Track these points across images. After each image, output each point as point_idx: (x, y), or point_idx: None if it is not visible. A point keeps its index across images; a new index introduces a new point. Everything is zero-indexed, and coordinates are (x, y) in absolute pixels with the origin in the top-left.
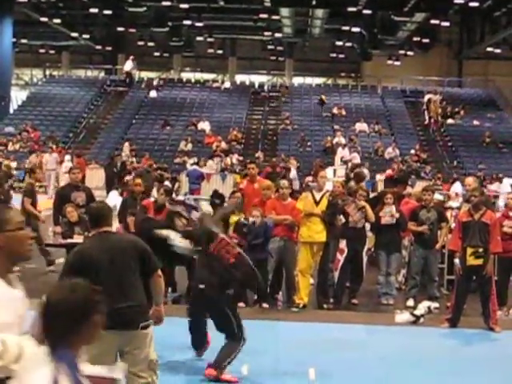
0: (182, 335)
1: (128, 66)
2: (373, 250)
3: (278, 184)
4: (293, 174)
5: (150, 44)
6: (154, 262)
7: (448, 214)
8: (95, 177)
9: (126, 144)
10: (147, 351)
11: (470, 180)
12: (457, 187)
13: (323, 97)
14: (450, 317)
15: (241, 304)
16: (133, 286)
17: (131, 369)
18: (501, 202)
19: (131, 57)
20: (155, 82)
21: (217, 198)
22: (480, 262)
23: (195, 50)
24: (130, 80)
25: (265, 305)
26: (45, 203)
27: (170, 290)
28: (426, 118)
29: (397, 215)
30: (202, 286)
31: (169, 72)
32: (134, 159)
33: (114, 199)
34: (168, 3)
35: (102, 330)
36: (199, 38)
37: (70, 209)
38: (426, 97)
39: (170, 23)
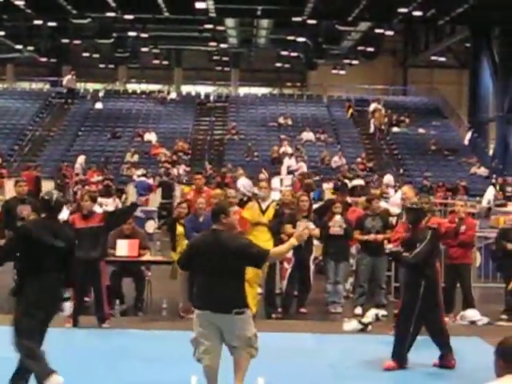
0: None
1: (66, 80)
2: (320, 258)
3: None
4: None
5: (95, 55)
6: None
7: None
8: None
9: (82, 157)
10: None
11: (405, 189)
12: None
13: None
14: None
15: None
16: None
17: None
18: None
19: (72, 72)
20: (100, 94)
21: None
22: None
23: (140, 61)
24: (71, 95)
25: None
26: None
27: (117, 302)
28: (372, 126)
29: (344, 225)
30: None
31: (114, 83)
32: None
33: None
34: (112, 14)
35: None
36: (144, 49)
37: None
38: (372, 106)
39: (114, 34)
